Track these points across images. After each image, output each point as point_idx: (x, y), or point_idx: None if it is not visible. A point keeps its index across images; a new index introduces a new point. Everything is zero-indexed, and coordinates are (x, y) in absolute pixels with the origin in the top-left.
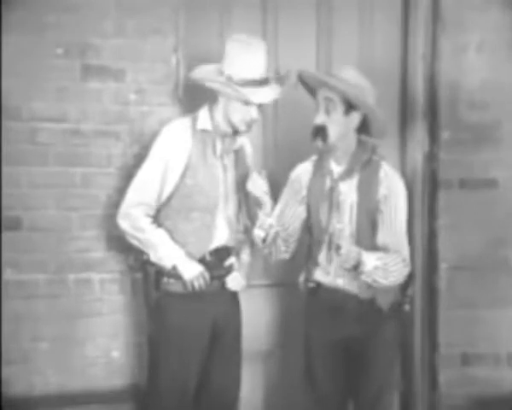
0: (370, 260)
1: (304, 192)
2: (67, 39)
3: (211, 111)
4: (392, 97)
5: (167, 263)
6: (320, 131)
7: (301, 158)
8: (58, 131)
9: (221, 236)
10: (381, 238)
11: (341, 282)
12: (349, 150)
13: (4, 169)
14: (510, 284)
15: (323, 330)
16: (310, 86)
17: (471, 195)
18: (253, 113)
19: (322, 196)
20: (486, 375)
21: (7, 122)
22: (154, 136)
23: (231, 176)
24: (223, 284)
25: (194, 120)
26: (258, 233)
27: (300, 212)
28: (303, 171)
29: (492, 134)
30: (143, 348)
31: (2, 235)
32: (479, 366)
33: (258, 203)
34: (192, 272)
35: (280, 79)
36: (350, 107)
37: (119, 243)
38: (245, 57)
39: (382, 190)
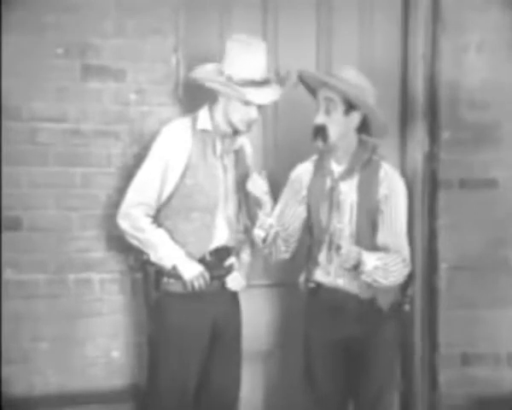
0: (371, 260)
1: (304, 192)
2: (67, 39)
3: (211, 111)
4: (393, 97)
5: (167, 263)
6: (320, 131)
7: (301, 158)
8: (58, 131)
9: (221, 236)
10: (382, 238)
11: (341, 282)
12: (349, 150)
13: (4, 169)
14: (510, 284)
15: (323, 330)
16: (310, 86)
17: (471, 195)
18: (253, 113)
19: (322, 196)
20: (486, 375)
21: (7, 122)
22: (154, 136)
23: (231, 176)
24: (223, 284)
25: (194, 120)
26: (259, 233)
27: (300, 212)
28: (303, 171)
29: (492, 134)
30: (143, 348)
31: (2, 235)
32: (479, 366)
33: (259, 203)
34: (192, 272)
35: (280, 80)
36: (350, 107)
37: (119, 243)
38: (245, 57)
39: (383, 190)
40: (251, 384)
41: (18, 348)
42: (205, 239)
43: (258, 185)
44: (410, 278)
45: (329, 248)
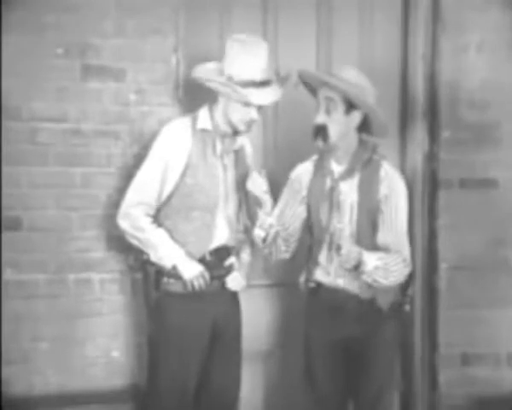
0: (371, 260)
1: (304, 192)
2: (67, 39)
3: (211, 111)
4: (392, 97)
5: (167, 263)
6: (321, 131)
7: (301, 158)
8: (58, 131)
9: (221, 235)
10: (382, 238)
11: (342, 282)
12: (350, 150)
13: (4, 169)
14: (510, 284)
15: (324, 330)
16: (310, 86)
17: (471, 195)
18: (253, 114)
19: (322, 196)
20: (486, 375)
21: (7, 122)
22: (154, 136)
23: (231, 175)
24: (223, 284)
25: (194, 120)
26: (259, 233)
27: (301, 212)
28: (303, 171)
29: (492, 134)
30: (143, 348)
31: (2, 235)
32: (479, 366)
33: (259, 203)
34: (192, 271)
35: (281, 81)
36: (350, 106)
37: (119, 242)
38: (246, 58)
39: (383, 190)
40: (251, 384)
41: (18, 348)
42: (205, 239)
43: (257, 184)
44: (411, 277)
45: (330, 249)
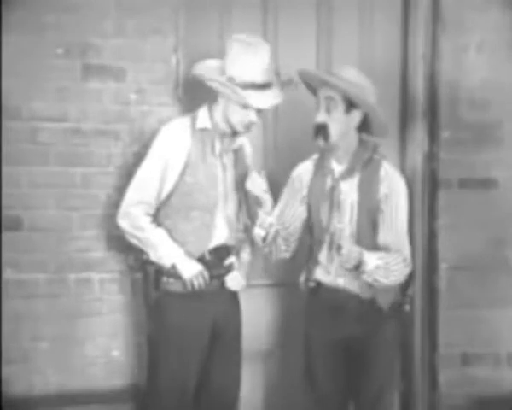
0: (372, 260)
1: (305, 191)
2: (67, 39)
3: (210, 110)
4: (392, 97)
5: (166, 262)
6: (321, 130)
7: (301, 158)
8: (58, 130)
9: (220, 235)
10: (382, 238)
11: (342, 281)
12: (350, 149)
13: (4, 169)
14: (510, 284)
15: (324, 329)
16: (310, 85)
17: (471, 195)
18: (252, 116)
19: (322, 196)
20: (486, 375)
21: (7, 122)
22: (154, 135)
23: (230, 175)
24: (222, 284)
25: (194, 120)
26: (259, 232)
27: (301, 211)
28: (304, 170)
29: (492, 134)
30: (143, 347)
31: (2, 235)
32: (479, 366)
33: (259, 202)
34: (191, 271)
35: (281, 84)
36: (351, 105)
37: (119, 242)
38: (248, 59)
39: (383, 189)
40: (251, 384)
41: (18, 347)
42: (204, 238)
43: (257, 184)
44: (411, 277)
45: (330, 248)
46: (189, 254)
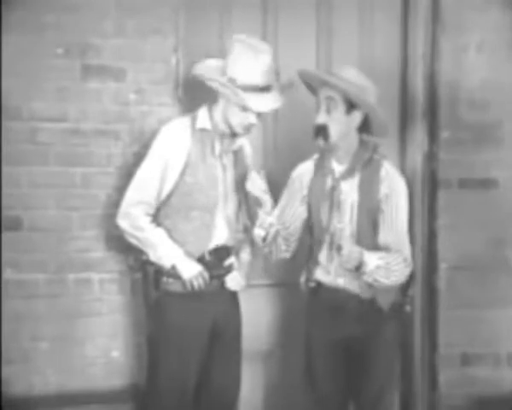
0: (372, 260)
1: (305, 191)
2: (67, 39)
3: (210, 111)
4: (392, 97)
5: (166, 262)
6: (321, 131)
7: (301, 158)
8: (58, 130)
9: (220, 235)
10: (383, 238)
11: (342, 281)
12: (350, 149)
13: (4, 169)
14: (510, 284)
15: (324, 329)
16: (311, 86)
17: (471, 195)
18: (252, 118)
19: (323, 196)
20: (486, 375)
21: (7, 122)
22: (153, 135)
23: (230, 176)
24: (222, 284)
25: (194, 120)
26: (259, 232)
27: (301, 211)
28: (304, 170)
29: (492, 134)
30: (143, 347)
31: (2, 235)
32: (479, 366)
33: (258, 202)
34: (191, 271)
35: (282, 87)
36: (351, 106)
37: (119, 242)
38: (250, 62)
39: (383, 189)
40: (251, 384)
41: (18, 348)
42: (204, 238)
43: (256, 185)
44: (411, 278)
45: (330, 248)
46: (188, 254)
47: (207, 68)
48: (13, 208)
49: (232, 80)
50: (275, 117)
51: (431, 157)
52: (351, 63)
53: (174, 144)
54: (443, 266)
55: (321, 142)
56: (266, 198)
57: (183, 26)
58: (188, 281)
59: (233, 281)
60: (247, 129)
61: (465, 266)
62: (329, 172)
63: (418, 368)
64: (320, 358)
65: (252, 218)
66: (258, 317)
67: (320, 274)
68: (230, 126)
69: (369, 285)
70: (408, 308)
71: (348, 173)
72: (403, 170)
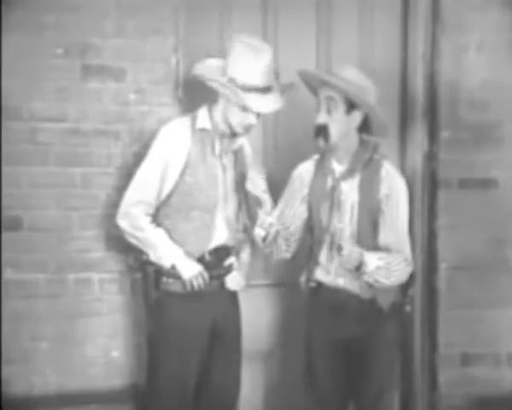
0: (372, 261)
1: (305, 191)
2: (67, 39)
3: (210, 111)
4: (392, 97)
5: (166, 262)
6: (322, 131)
7: (301, 159)
8: (58, 130)
9: (220, 235)
10: (383, 238)
11: (342, 281)
12: (351, 149)
13: (4, 169)
14: (510, 284)
15: (325, 329)
16: (311, 86)
17: (471, 195)
18: (252, 119)
19: (323, 196)
20: (486, 375)
21: (7, 122)
22: (153, 135)
23: (230, 176)
24: (222, 284)
25: (194, 120)
26: (259, 232)
27: (302, 211)
28: (305, 170)
29: (492, 134)
30: (143, 348)
31: (2, 235)
32: (479, 366)
33: (258, 202)
34: (191, 271)
35: (282, 89)
36: (351, 106)
37: (119, 242)
38: (250, 62)
39: (384, 190)
40: (251, 384)
41: (18, 348)
42: (204, 238)
43: (257, 184)
44: (411, 278)
45: (330, 248)
46: (188, 254)
47: (208, 68)
48: (13, 208)
49: (232, 80)
50: (275, 117)
51: (431, 157)
52: (351, 63)
53: (174, 144)
54: (443, 266)
55: (321, 142)
56: (266, 198)
57: (183, 26)
58: (188, 281)
59: (233, 281)
60: (247, 129)
61: (465, 266)
62: (330, 173)
63: (418, 368)
64: (320, 358)
65: (252, 218)
66: (258, 317)
67: (320, 274)
68: (230, 126)
69: (369, 285)
70: (408, 308)
71: (348, 173)
72: (403, 170)
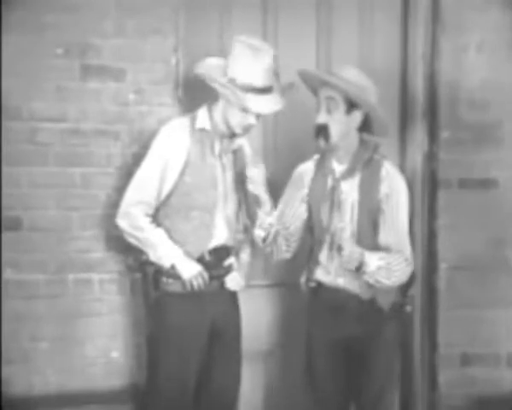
0: (373, 261)
1: (305, 191)
2: (67, 39)
3: (210, 111)
4: (392, 97)
5: (166, 262)
6: (322, 131)
7: (301, 159)
8: (58, 130)
9: (220, 235)
10: (383, 238)
11: (342, 281)
12: (351, 149)
13: (4, 169)
14: (510, 284)
15: (325, 329)
16: (311, 86)
17: (471, 195)
18: (251, 119)
19: (323, 196)
20: (486, 375)
21: (7, 122)
22: (153, 135)
23: (230, 176)
24: (222, 284)
25: (193, 120)
26: (259, 232)
27: (302, 211)
28: (305, 170)
29: (492, 134)
30: (142, 348)
31: (2, 235)
32: (479, 366)
33: (258, 201)
34: (191, 271)
35: (282, 89)
36: (351, 106)
37: (119, 243)
38: (251, 62)
39: (384, 189)
40: (251, 384)
41: (18, 347)
42: (204, 238)
43: (256, 180)
44: (411, 278)
45: (330, 248)
46: (188, 254)
47: (208, 67)
48: (13, 208)
49: (232, 81)
50: (275, 117)
51: (431, 157)
52: (351, 63)
53: (174, 144)
54: (443, 266)
55: (322, 142)
56: (266, 198)
57: (183, 26)
58: (187, 281)
59: (233, 281)
60: (247, 129)
61: (465, 266)
62: (330, 172)
63: (418, 368)
64: (320, 358)
65: (251, 218)
66: (258, 317)
67: (320, 274)
68: (230, 127)
69: (370, 285)
70: (408, 308)
71: (348, 173)
72: (403, 170)
